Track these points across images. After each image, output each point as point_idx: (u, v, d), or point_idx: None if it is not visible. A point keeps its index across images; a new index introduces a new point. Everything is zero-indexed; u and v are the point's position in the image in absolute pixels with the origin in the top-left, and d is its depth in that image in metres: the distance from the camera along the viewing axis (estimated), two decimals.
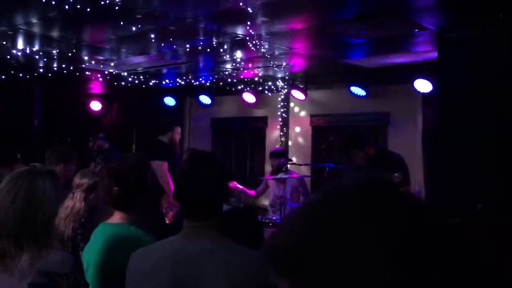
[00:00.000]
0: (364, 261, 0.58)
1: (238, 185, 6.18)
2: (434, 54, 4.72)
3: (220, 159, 1.93)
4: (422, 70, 5.83)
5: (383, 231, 0.60)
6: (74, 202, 3.53)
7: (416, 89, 6.02)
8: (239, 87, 7.93)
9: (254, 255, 1.79)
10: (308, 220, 0.65)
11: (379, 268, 0.58)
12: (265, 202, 6.97)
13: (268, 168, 8.27)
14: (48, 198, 1.96)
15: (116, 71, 7.23)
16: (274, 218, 5.69)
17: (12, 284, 1.82)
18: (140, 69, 7.17)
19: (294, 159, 7.03)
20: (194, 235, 1.81)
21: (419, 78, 5.89)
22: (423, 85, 5.93)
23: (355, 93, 6.75)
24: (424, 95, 6.14)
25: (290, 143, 7.99)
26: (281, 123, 8.07)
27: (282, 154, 6.33)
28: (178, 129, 6.15)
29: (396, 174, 4.31)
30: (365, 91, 6.68)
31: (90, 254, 2.48)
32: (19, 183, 1.94)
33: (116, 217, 2.51)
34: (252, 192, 6.50)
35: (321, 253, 0.61)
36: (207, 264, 1.72)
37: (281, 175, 6.06)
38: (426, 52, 5.33)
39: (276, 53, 5.74)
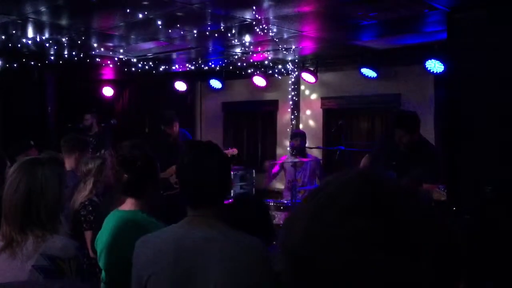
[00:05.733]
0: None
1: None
2: (445, 34, 4.65)
3: (220, 149, 1.96)
4: (433, 50, 5.74)
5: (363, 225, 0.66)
6: (85, 188, 3.62)
7: (427, 70, 5.94)
8: (249, 71, 7.90)
9: (254, 241, 1.82)
10: (311, 220, 0.70)
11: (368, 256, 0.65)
12: (281, 186, 6.99)
13: (279, 151, 8.29)
14: (50, 186, 2.00)
15: (126, 57, 7.26)
16: (286, 201, 5.72)
17: (16, 267, 1.88)
18: (149, 55, 7.18)
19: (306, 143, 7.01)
20: (195, 223, 1.86)
21: (431, 58, 5.81)
22: (434, 66, 5.85)
23: (366, 75, 6.69)
24: (436, 75, 6.06)
25: (301, 126, 7.97)
26: (292, 106, 8.05)
27: (303, 136, 6.30)
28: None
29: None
30: (376, 73, 6.61)
31: (102, 240, 2.53)
32: (21, 173, 1.99)
33: (128, 204, 2.55)
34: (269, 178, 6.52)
35: (324, 251, 0.66)
36: (207, 252, 1.76)
37: (292, 159, 6.05)
38: (437, 32, 5.24)
39: (285, 36, 5.70)
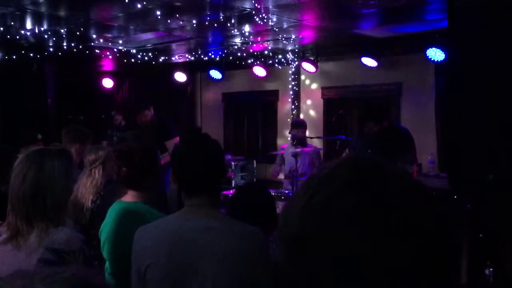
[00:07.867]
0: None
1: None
2: (446, 22, 4.62)
3: (210, 136, 1.96)
4: (434, 39, 5.72)
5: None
6: (93, 177, 3.60)
7: (428, 58, 5.92)
8: (249, 61, 7.87)
9: (251, 229, 1.83)
10: (310, 208, 0.70)
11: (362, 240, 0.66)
12: (281, 175, 6.97)
13: (280, 141, 8.28)
14: (58, 178, 1.98)
15: (125, 49, 7.23)
16: (287, 191, 5.72)
17: (20, 260, 1.87)
18: (149, 46, 7.15)
19: (306, 132, 7.00)
20: (192, 212, 1.86)
21: (432, 46, 5.79)
22: (435, 54, 5.82)
23: (367, 64, 6.66)
24: (437, 64, 6.04)
25: (301, 116, 7.95)
26: (292, 96, 8.03)
27: (304, 125, 6.30)
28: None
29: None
30: (377, 62, 6.58)
31: (106, 231, 2.54)
32: (28, 164, 1.97)
33: (129, 196, 2.56)
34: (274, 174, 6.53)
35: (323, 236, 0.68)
36: (204, 241, 1.77)
37: (292, 148, 6.03)
38: (438, 20, 5.21)
39: (285, 26, 5.67)
